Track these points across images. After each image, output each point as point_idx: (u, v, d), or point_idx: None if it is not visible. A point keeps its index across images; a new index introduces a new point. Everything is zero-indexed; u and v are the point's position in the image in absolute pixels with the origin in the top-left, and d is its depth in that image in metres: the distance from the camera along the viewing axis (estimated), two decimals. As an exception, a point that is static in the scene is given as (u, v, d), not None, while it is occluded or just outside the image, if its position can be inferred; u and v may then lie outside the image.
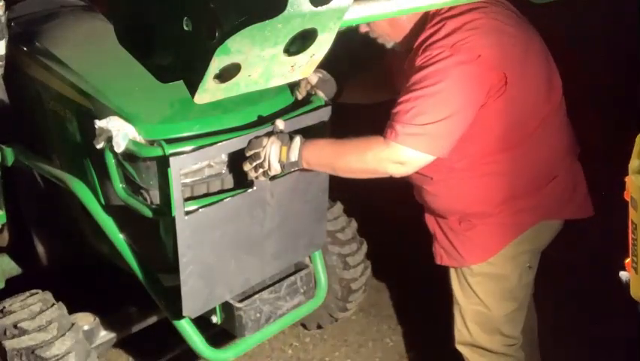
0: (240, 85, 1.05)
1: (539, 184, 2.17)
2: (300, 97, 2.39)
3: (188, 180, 2.13)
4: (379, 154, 1.96)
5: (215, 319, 2.38)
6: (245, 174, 2.14)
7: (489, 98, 1.97)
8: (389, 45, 2.20)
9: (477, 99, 1.95)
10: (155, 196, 2.14)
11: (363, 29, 2.18)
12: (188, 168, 2.11)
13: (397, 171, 2.00)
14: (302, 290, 2.49)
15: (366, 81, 2.58)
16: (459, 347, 2.38)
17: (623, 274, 1.57)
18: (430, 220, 2.33)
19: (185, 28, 0.99)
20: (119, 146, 2.01)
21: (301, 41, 1.01)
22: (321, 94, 2.39)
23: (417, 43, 2.03)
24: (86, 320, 2.44)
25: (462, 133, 1.97)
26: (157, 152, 2.02)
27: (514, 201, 2.15)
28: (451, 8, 2.00)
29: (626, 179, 1.48)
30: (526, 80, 2.05)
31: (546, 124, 2.12)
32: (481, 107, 1.97)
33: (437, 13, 2.03)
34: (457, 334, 2.37)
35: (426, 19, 2.06)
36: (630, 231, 1.50)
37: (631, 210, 1.48)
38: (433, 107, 1.91)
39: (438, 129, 1.92)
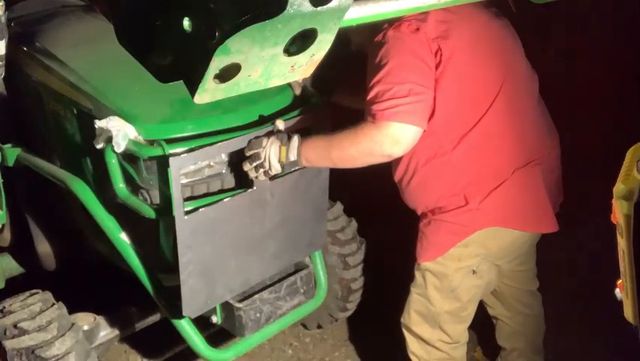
0: (240, 85, 1.05)
1: (484, 185, 2.15)
2: (296, 93, 2.39)
3: (188, 180, 2.13)
4: (371, 135, 2.01)
5: (215, 319, 2.38)
6: (245, 174, 2.15)
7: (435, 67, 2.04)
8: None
9: (430, 64, 2.03)
10: (155, 196, 2.14)
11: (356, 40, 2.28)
12: (188, 168, 2.10)
13: (393, 148, 2.02)
14: (302, 290, 2.49)
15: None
16: (402, 328, 2.45)
17: (618, 293, 1.56)
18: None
19: (185, 28, 0.98)
20: (119, 146, 2.01)
21: (301, 41, 1.01)
22: (313, 90, 2.42)
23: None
24: (86, 320, 2.44)
25: (432, 100, 2.04)
26: (157, 152, 2.02)
27: (463, 199, 2.16)
28: None
29: (613, 202, 1.44)
30: (463, 63, 2.07)
31: (491, 120, 2.12)
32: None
33: None
34: (403, 316, 2.44)
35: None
36: (619, 257, 1.47)
37: (618, 237, 1.45)
38: (398, 80, 2.00)
39: (411, 98, 1.99)
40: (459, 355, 2.45)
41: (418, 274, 2.34)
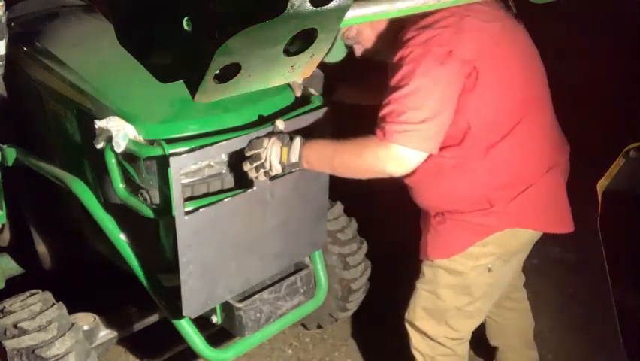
0: (239, 85, 1.05)
1: (511, 190, 2.16)
2: (296, 95, 2.40)
3: (188, 180, 2.13)
4: (377, 153, 1.99)
5: (215, 319, 2.38)
6: (245, 174, 2.14)
7: (464, 91, 2.00)
8: (379, 56, 2.23)
9: (454, 93, 1.99)
10: (155, 196, 2.14)
11: (358, 52, 2.26)
12: (188, 168, 2.10)
13: (395, 169, 2.02)
14: (302, 290, 2.49)
15: (367, 82, 2.60)
16: (406, 324, 2.45)
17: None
18: (421, 215, 2.37)
19: (185, 28, 0.98)
20: (119, 146, 2.01)
21: (301, 41, 1.01)
22: (313, 91, 2.41)
23: (396, 43, 2.07)
24: (86, 320, 2.44)
25: (447, 128, 2.01)
26: (157, 152, 2.02)
27: (485, 205, 2.16)
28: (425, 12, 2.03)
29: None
30: (501, 77, 2.06)
31: (521, 129, 2.12)
32: (458, 100, 2.01)
33: (411, 17, 2.06)
34: (407, 312, 2.44)
35: (403, 24, 2.10)
36: None
37: None
38: (414, 105, 1.96)
39: (423, 126, 1.96)
40: (462, 352, 2.45)
41: (428, 271, 2.33)
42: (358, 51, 2.28)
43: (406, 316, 2.44)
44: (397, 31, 2.11)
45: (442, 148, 2.08)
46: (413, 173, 2.15)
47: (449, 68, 1.96)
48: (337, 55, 2.30)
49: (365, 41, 2.23)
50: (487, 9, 2.10)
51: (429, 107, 1.96)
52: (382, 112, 2.00)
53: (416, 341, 2.44)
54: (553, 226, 2.30)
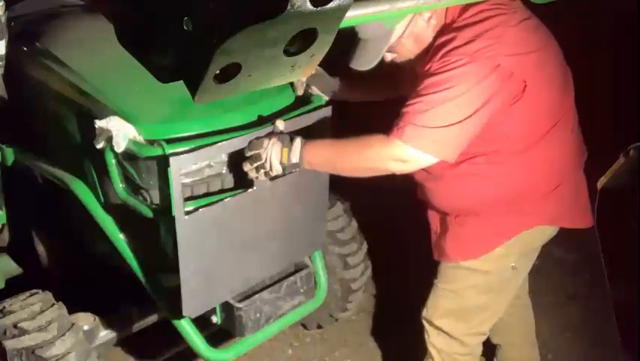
0: (240, 85, 1.05)
1: (542, 190, 2.17)
2: (298, 94, 2.39)
3: (188, 180, 2.13)
4: (381, 152, 1.97)
5: (215, 319, 2.38)
6: (245, 174, 2.14)
7: (504, 105, 1.97)
8: (413, 64, 2.17)
9: (492, 107, 1.95)
10: (155, 196, 2.14)
11: (389, 58, 2.19)
12: (188, 168, 2.10)
13: (399, 168, 2.00)
14: (302, 290, 2.49)
15: (370, 79, 2.59)
16: (423, 320, 2.45)
17: None
18: (431, 216, 2.36)
19: (185, 28, 0.98)
20: (119, 146, 2.01)
21: (301, 41, 1.01)
22: (315, 90, 2.40)
23: (434, 48, 2.03)
24: (86, 320, 2.44)
25: (471, 137, 1.97)
26: (157, 152, 2.01)
27: (515, 205, 2.16)
28: (471, 16, 2.00)
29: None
30: (543, 86, 2.04)
31: (556, 131, 2.12)
32: (496, 112, 1.97)
33: (454, 20, 2.04)
34: (425, 309, 2.43)
35: (444, 27, 2.07)
36: None
37: None
38: (446, 111, 1.91)
39: (448, 134, 1.92)
40: (478, 351, 2.46)
41: (450, 271, 2.32)
42: (390, 58, 2.20)
43: (424, 314, 2.43)
44: (437, 38, 2.07)
45: (476, 155, 2.07)
46: (440, 177, 2.14)
47: (494, 80, 1.92)
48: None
49: (405, 52, 2.16)
50: (523, 16, 2.06)
51: (461, 116, 1.91)
52: (409, 108, 1.94)
53: (433, 337, 2.43)
54: (577, 221, 2.31)
